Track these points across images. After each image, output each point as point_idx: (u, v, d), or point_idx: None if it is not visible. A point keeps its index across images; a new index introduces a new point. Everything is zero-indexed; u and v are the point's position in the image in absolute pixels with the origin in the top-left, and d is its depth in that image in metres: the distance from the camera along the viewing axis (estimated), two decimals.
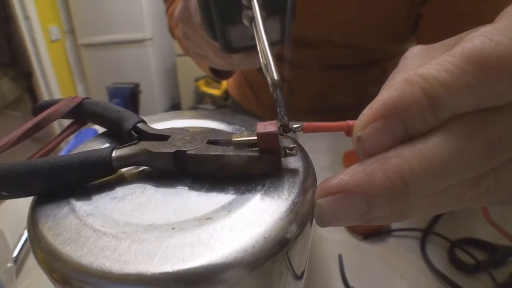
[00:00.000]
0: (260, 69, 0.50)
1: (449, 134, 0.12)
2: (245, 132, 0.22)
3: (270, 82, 0.19)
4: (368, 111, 0.13)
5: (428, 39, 0.13)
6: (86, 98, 0.24)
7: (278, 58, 0.62)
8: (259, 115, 0.67)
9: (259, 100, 0.68)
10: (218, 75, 0.54)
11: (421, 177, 0.12)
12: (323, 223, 0.14)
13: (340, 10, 0.48)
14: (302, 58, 0.57)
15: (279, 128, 0.17)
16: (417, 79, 0.12)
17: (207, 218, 0.15)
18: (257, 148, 0.17)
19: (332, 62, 0.57)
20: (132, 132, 0.20)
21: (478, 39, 0.12)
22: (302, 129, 0.17)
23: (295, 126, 0.17)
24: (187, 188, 0.17)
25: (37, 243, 0.15)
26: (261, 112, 0.67)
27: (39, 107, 0.23)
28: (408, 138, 0.13)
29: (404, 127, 0.13)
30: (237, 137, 0.18)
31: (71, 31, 2.48)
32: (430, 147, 0.12)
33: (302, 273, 0.20)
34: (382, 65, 0.58)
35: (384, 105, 0.13)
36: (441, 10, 0.44)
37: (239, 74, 0.71)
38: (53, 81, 2.38)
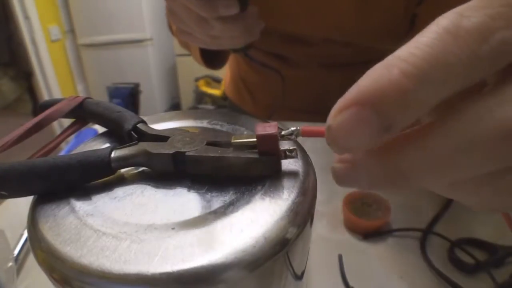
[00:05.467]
0: (242, 52, 0.51)
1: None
2: (244, 133, 0.22)
3: None
4: (340, 100, 0.12)
5: None
6: (88, 98, 0.24)
7: (275, 56, 0.62)
8: (256, 116, 0.67)
9: (255, 101, 0.68)
10: (209, 63, 0.55)
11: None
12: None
13: (337, 8, 0.48)
14: (300, 56, 0.58)
15: (279, 129, 0.17)
16: (394, 61, 0.11)
17: (207, 218, 0.15)
18: (256, 150, 0.17)
19: (331, 61, 0.57)
20: (132, 132, 0.20)
21: (451, 14, 0.11)
22: (300, 133, 0.16)
23: (292, 129, 0.16)
24: (187, 188, 0.17)
25: (37, 243, 0.15)
26: (257, 113, 0.67)
27: (41, 106, 0.23)
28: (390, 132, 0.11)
29: (380, 116, 0.11)
30: (236, 139, 0.18)
31: (71, 31, 2.48)
32: None
33: (302, 273, 0.20)
34: None
35: (357, 92, 0.11)
36: (437, 9, 0.44)
37: (235, 74, 0.72)
38: (53, 81, 2.38)
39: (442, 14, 0.12)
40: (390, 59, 0.11)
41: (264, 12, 0.52)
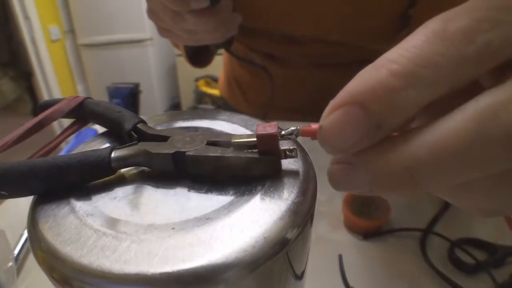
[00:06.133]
0: (223, 48, 0.53)
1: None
2: (244, 133, 0.22)
3: None
4: (332, 100, 0.12)
5: None
6: (88, 98, 0.24)
7: (267, 55, 0.63)
8: (250, 115, 0.68)
9: (248, 101, 0.68)
10: (195, 61, 0.56)
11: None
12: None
13: (333, 9, 0.48)
14: (292, 56, 0.58)
15: (278, 128, 0.17)
16: (383, 62, 0.11)
17: (207, 218, 0.15)
18: (256, 150, 0.17)
19: (322, 60, 0.58)
20: (132, 132, 0.20)
21: (439, 18, 0.12)
22: (300, 132, 0.16)
23: (292, 128, 0.16)
24: (187, 188, 0.17)
25: (37, 243, 0.15)
26: (250, 112, 0.68)
27: (41, 106, 0.23)
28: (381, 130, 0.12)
29: (369, 114, 0.11)
30: (236, 138, 0.18)
31: (71, 31, 2.48)
32: None
33: (302, 273, 0.20)
34: None
35: (347, 92, 0.12)
36: (432, 11, 0.44)
37: (229, 74, 0.72)
38: (53, 81, 2.38)
39: (431, 18, 0.12)
40: (380, 60, 0.12)
41: (259, 12, 0.52)
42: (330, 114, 0.12)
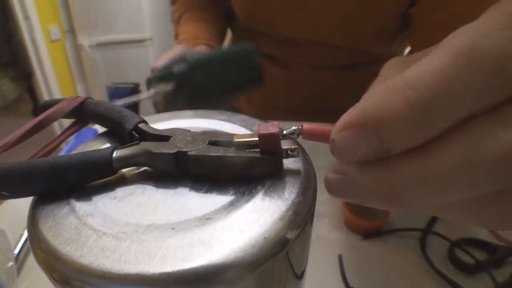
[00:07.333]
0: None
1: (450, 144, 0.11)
2: (246, 133, 0.22)
3: None
4: (345, 116, 0.12)
5: (420, 40, 0.12)
6: (88, 98, 0.24)
7: (265, 56, 0.64)
8: (250, 115, 0.68)
9: (248, 100, 0.68)
10: None
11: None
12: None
13: (329, 10, 0.48)
14: (292, 56, 0.58)
15: (280, 128, 0.17)
16: (401, 86, 0.11)
17: (207, 218, 0.15)
18: (258, 149, 0.17)
19: (323, 62, 0.58)
20: (133, 132, 0.20)
21: (466, 33, 0.10)
22: (301, 132, 0.16)
23: (293, 128, 0.16)
24: (187, 188, 0.17)
25: (37, 243, 0.15)
26: (251, 112, 0.68)
27: (41, 106, 0.23)
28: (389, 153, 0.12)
29: (380, 140, 0.11)
30: (238, 138, 0.18)
31: (71, 31, 2.48)
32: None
33: (302, 273, 0.20)
34: (374, 67, 0.58)
35: (361, 112, 0.12)
36: (434, 10, 0.44)
37: None
38: (53, 81, 2.38)
39: (456, 31, 0.11)
40: (397, 81, 0.11)
41: (260, 14, 0.52)
42: (343, 130, 0.12)
